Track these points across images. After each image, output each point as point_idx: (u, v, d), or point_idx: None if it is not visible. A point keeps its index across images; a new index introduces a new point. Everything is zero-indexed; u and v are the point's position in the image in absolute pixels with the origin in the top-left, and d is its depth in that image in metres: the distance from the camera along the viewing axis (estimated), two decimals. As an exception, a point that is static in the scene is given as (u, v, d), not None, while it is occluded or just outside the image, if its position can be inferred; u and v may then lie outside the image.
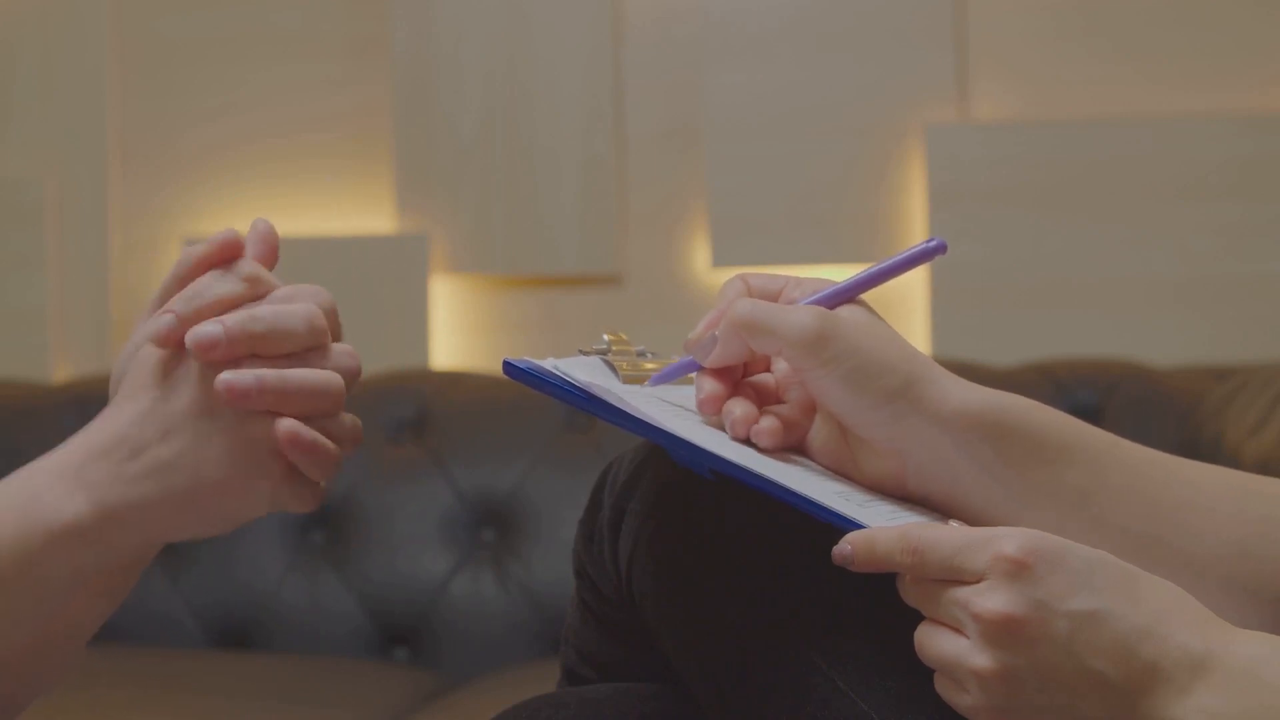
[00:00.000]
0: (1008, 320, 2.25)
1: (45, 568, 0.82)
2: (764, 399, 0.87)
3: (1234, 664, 0.73)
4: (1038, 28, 2.29)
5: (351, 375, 0.86)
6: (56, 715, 1.60)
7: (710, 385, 0.85)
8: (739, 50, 2.31)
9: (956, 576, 0.75)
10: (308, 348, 0.85)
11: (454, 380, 2.22)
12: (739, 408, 0.84)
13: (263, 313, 0.84)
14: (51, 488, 0.82)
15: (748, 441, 0.84)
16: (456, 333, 2.40)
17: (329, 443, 0.84)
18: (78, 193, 2.46)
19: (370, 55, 2.41)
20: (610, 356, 0.90)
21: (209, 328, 0.82)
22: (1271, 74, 2.24)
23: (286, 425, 0.83)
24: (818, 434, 0.86)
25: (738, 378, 0.87)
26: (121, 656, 2.02)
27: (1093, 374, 2.11)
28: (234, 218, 2.43)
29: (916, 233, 2.28)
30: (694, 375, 0.88)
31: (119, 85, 2.46)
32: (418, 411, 2.18)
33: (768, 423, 0.84)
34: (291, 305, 0.85)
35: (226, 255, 0.87)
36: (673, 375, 0.89)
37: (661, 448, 0.92)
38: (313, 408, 0.84)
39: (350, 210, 2.42)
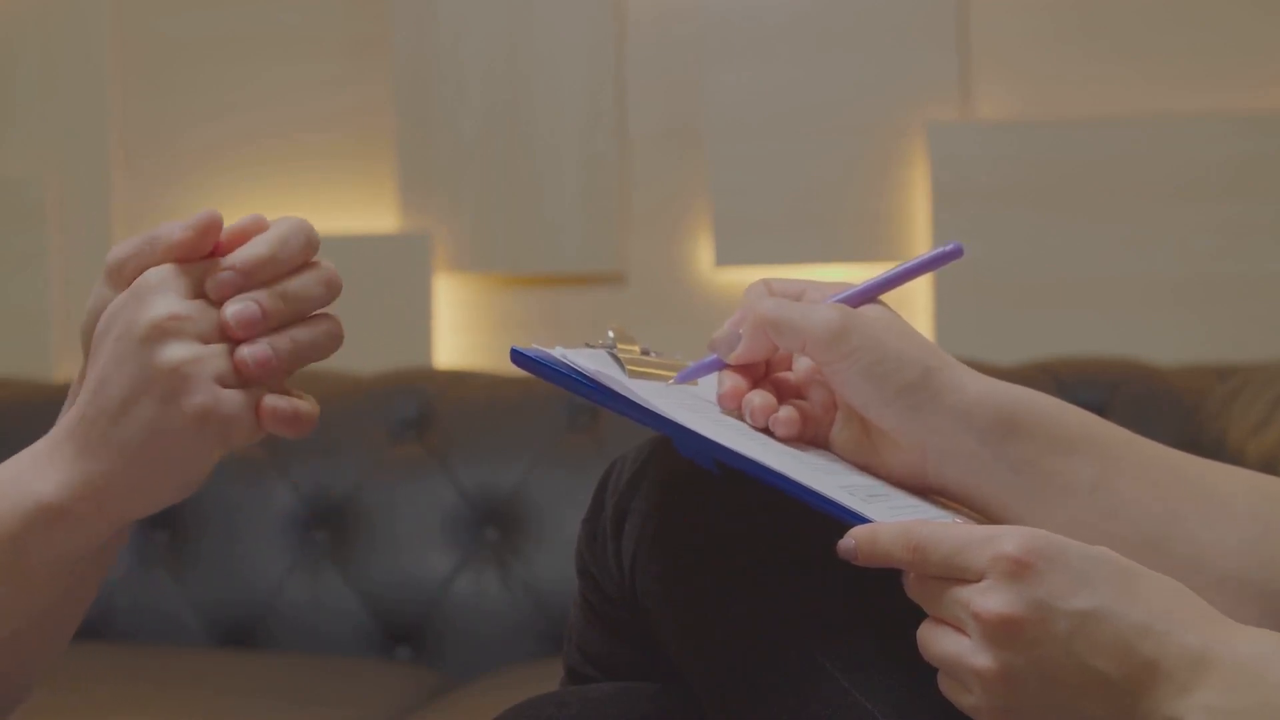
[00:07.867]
0: (1010, 319, 2.25)
1: (25, 551, 0.81)
2: (785, 395, 0.89)
3: (1235, 661, 0.73)
4: (1039, 27, 2.29)
5: (337, 290, 0.86)
6: (59, 714, 1.61)
7: (732, 380, 0.87)
8: (740, 49, 2.31)
9: (957, 575, 0.76)
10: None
11: (457, 379, 2.23)
12: (758, 398, 0.86)
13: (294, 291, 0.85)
14: (32, 468, 0.81)
15: (766, 431, 0.86)
16: (459, 331, 2.40)
17: (309, 407, 0.82)
18: (79, 192, 2.46)
19: (371, 55, 2.41)
20: (616, 351, 0.91)
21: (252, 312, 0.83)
22: (1271, 74, 2.24)
23: (268, 401, 0.81)
24: (840, 431, 0.87)
25: (760, 376, 0.89)
26: (125, 655, 2.03)
27: (1095, 373, 2.11)
28: (235, 218, 2.43)
29: (919, 231, 2.28)
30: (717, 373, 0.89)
31: (119, 85, 2.46)
32: (421, 410, 2.18)
33: (786, 412, 0.86)
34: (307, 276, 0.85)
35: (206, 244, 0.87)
36: (697, 373, 0.90)
37: (664, 446, 0.93)
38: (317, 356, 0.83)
39: (353, 210, 2.42)
